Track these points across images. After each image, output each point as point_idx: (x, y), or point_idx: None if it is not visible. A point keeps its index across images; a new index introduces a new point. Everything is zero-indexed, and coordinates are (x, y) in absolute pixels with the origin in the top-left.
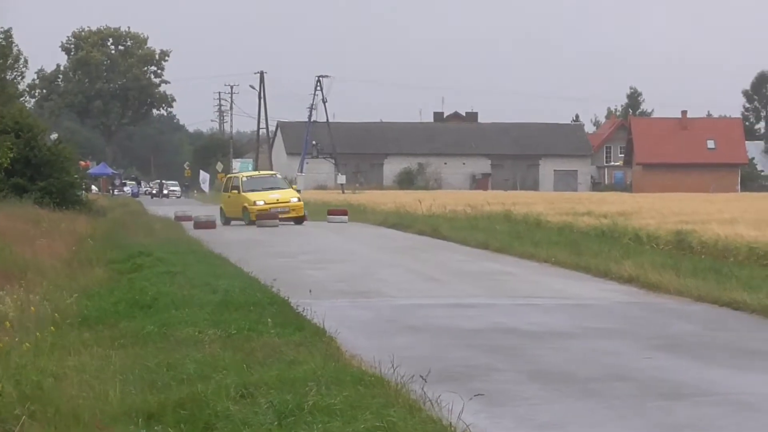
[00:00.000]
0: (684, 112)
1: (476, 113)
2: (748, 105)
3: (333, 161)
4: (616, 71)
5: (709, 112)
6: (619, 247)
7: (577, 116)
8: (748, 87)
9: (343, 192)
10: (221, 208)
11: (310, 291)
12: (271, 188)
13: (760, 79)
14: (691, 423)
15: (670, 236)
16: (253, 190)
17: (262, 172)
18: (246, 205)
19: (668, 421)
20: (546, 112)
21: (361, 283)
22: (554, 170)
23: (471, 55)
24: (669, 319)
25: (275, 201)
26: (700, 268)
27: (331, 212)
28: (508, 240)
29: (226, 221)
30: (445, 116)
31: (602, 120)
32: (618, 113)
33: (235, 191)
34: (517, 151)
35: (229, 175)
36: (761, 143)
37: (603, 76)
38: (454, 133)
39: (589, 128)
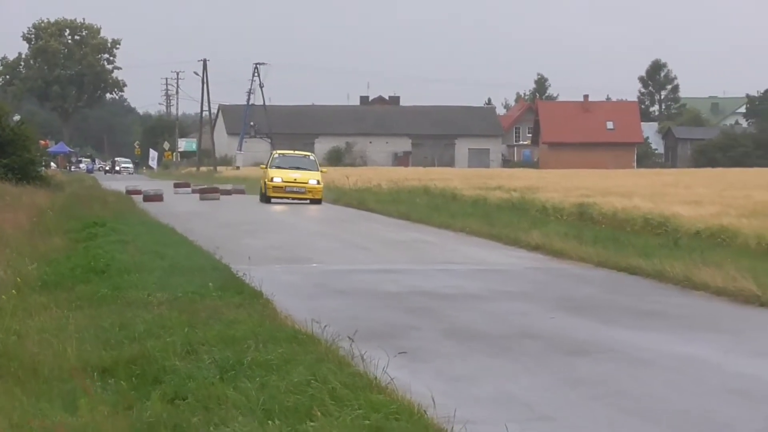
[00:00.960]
0: (586, 96)
1: (398, 97)
2: (643, 90)
3: (269, 140)
4: (525, 59)
5: (608, 96)
6: (527, 219)
7: (489, 100)
8: (643, 73)
9: None
10: (260, 186)
11: (249, 258)
12: (297, 168)
13: (654, 66)
14: (592, 377)
15: (573, 208)
16: (278, 167)
17: (297, 152)
18: (266, 180)
19: (571, 376)
20: (462, 96)
21: (295, 251)
22: (468, 149)
23: (395, 42)
24: (572, 283)
25: (293, 180)
26: (600, 237)
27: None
28: (427, 212)
29: (262, 197)
30: (370, 100)
31: (512, 103)
32: (526, 97)
33: (264, 167)
34: (435, 131)
35: (273, 152)
36: (655, 124)
37: (513, 64)
38: (378, 115)
39: (500, 111)
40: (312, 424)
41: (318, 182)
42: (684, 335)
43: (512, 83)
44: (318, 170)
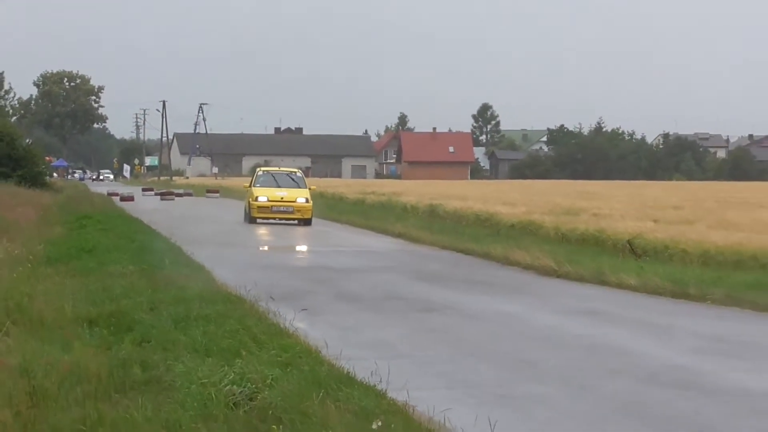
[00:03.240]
0: (434, 128)
1: (302, 128)
2: (475, 124)
3: (210, 158)
4: (392, 101)
5: (450, 128)
6: (393, 215)
7: (366, 130)
8: (475, 112)
9: (216, 178)
10: (245, 205)
11: (196, 242)
12: (284, 185)
13: (482, 107)
14: (439, 327)
15: (426, 208)
16: (264, 185)
17: (283, 168)
18: (250, 200)
19: (424, 326)
20: (347, 127)
21: (229, 238)
22: (351, 165)
23: (300, 88)
24: (425, 261)
25: (279, 199)
26: (444, 228)
27: (208, 191)
28: (323, 210)
29: (245, 217)
30: (282, 129)
31: (382, 133)
32: (392, 129)
33: (247, 185)
34: (327, 152)
35: (258, 168)
36: (483, 149)
37: (384, 105)
38: (287, 141)
39: (374, 138)
40: (239, 359)
41: (307, 200)
42: (504, 298)
43: (383, 118)
44: (306, 187)
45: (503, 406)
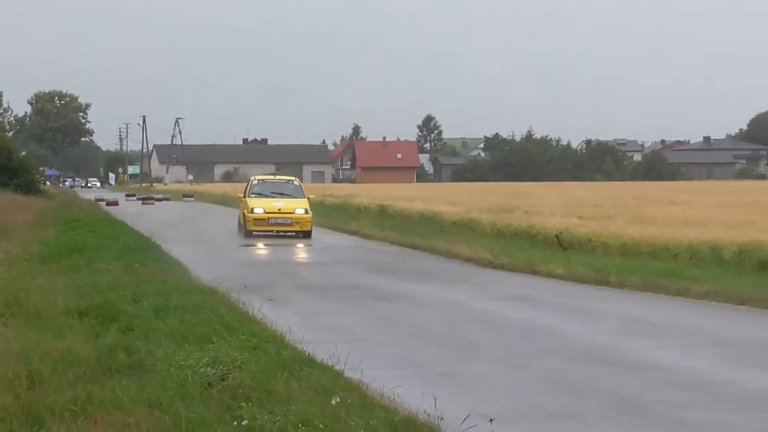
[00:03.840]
0: (384, 138)
1: (267, 138)
2: (420, 133)
3: (185, 167)
4: (345, 114)
5: (398, 137)
6: (348, 215)
7: (324, 140)
8: (420, 122)
9: (191, 184)
10: (238, 218)
11: (173, 241)
12: (281, 195)
13: (426, 118)
14: (391, 314)
15: (377, 208)
16: (259, 195)
17: (279, 177)
18: (245, 211)
19: (378, 313)
20: (307, 137)
21: (201, 236)
22: (311, 171)
23: (265, 101)
24: (377, 255)
25: (276, 210)
26: (394, 226)
27: (185, 195)
28: None
29: (239, 230)
30: (249, 140)
31: (338, 141)
32: (347, 138)
33: (242, 196)
34: (290, 160)
35: (252, 177)
36: (427, 155)
37: (335, 116)
38: (254, 150)
39: (331, 147)
40: (213, 344)
41: (306, 211)
42: (448, 287)
43: (338, 129)
44: (305, 197)
45: (447, 382)
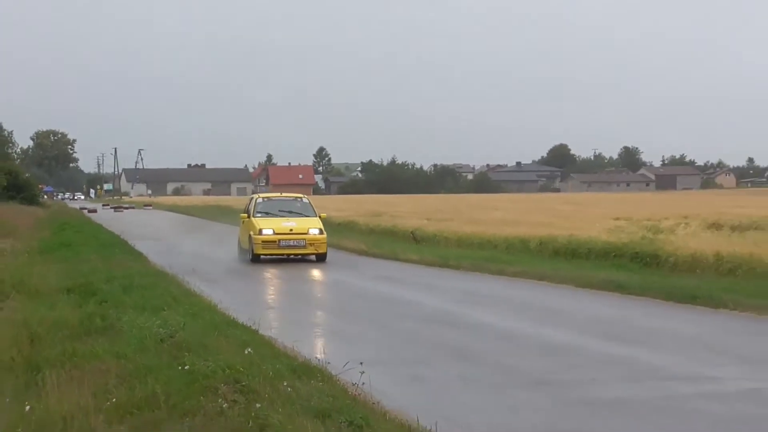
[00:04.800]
0: (290, 162)
1: (204, 163)
2: (315, 159)
3: (146, 184)
4: (260, 146)
5: (300, 162)
6: None
7: (246, 164)
8: (315, 152)
9: (150, 197)
10: (239, 239)
11: (138, 238)
12: (289, 213)
13: (319, 149)
14: (293, 290)
15: None
16: (265, 215)
17: (285, 194)
18: (251, 233)
19: (283, 289)
20: (234, 161)
21: (158, 235)
22: (236, 188)
23: (203, 130)
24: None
25: (288, 231)
26: None
27: (145, 205)
28: (217, 215)
29: (242, 253)
30: (192, 165)
31: (256, 165)
32: (263, 163)
33: (245, 216)
34: (221, 179)
35: (252, 195)
36: (321, 176)
37: (257, 149)
38: (195, 172)
39: (251, 169)
40: (164, 312)
41: (321, 231)
42: (336, 270)
43: (256, 156)
44: (317, 215)
45: (334, 339)
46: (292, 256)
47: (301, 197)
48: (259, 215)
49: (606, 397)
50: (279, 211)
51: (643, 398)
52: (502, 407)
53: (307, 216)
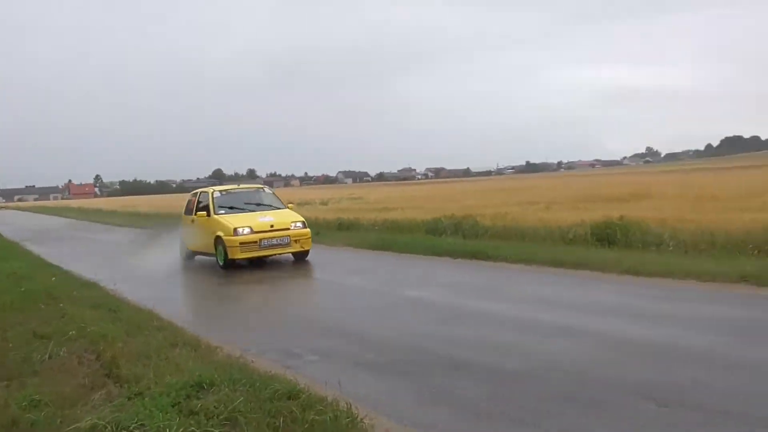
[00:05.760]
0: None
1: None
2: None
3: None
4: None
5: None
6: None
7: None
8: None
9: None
10: (181, 239)
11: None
12: (257, 206)
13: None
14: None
15: None
16: (230, 211)
17: (242, 186)
18: (221, 234)
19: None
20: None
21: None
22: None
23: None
24: None
25: (268, 228)
26: None
27: None
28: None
29: (189, 256)
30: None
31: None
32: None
33: (203, 214)
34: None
35: (195, 191)
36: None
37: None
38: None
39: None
40: (11, 261)
41: (304, 224)
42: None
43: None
44: (286, 206)
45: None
46: (273, 256)
47: (262, 188)
48: (223, 212)
49: None
50: (245, 204)
51: None
52: None
53: (278, 208)
